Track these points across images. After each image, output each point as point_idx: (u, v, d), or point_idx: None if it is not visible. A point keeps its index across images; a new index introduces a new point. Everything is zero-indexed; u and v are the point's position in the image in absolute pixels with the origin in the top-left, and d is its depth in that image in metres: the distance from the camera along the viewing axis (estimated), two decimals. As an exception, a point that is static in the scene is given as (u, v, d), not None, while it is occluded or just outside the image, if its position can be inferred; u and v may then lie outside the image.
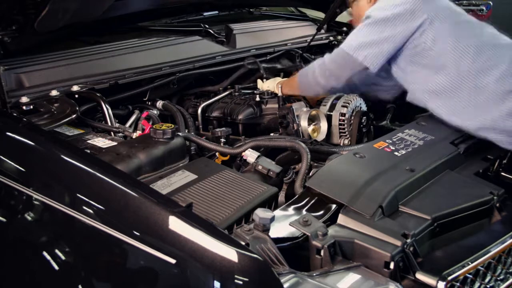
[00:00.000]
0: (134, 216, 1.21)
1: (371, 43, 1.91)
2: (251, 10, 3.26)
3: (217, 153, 1.87)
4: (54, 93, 1.87)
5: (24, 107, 1.79)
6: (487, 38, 1.91)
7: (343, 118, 2.13)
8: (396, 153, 1.66)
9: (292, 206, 1.48)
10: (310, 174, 1.66)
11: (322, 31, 2.96)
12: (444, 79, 1.87)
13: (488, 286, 1.37)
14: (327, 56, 2.07)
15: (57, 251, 1.31)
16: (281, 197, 1.70)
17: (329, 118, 2.15)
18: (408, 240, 1.30)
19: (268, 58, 2.66)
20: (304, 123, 2.08)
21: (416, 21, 1.87)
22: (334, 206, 1.45)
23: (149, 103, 2.27)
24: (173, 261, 1.11)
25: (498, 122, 1.78)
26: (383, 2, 1.97)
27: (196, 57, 2.39)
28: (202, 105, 2.31)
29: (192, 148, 1.86)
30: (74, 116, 1.80)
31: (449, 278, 1.25)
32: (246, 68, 2.50)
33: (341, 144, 2.09)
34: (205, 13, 3.10)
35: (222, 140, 1.98)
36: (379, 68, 1.95)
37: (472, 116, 1.82)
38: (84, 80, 2.00)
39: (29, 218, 1.39)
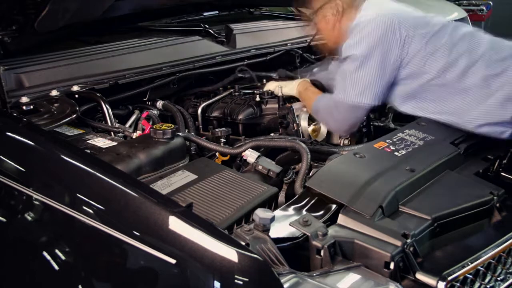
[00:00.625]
0: (134, 216, 1.21)
1: (372, 82, 1.86)
2: (251, 10, 3.26)
3: (217, 153, 1.87)
4: (54, 93, 1.88)
5: (24, 107, 1.80)
6: (457, 33, 1.91)
7: (343, 118, 2.12)
8: (396, 153, 1.65)
9: (292, 206, 1.48)
10: (310, 174, 1.66)
11: (322, 31, 2.96)
12: (431, 84, 1.88)
13: (488, 286, 1.37)
14: (334, 106, 1.95)
15: (57, 251, 1.31)
16: (281, 197, 1.70)
17: (329, 118, 2.15)
18: (408, 240, 1.30)
19: (268, 58, 2.66)
20: (304, 123, 2.08)
21: (399, 40, 1.85)
22: (334, 206, 1.45)
23: (149, 103, 2.28)
24: (173, 261, 1.11)
25: (496, 112, 1.79)
26: (356, 35, 1.89)
27: (196, 57, 2.39)
28: (202, 105, 2.31)
29: (192, 148, 1.86)
30: (74, 116, 1.80)
31: (449, 278, 1.25)
32: (236, 75, 2.49)
33: (341, 144, 2.09)
34: (205, 13, 3.10)
35: (222, 140, 1.98)
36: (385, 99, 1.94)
37: (468, 113, 1.83)
38: (84, 80, 2.00)
39: (29, 218, 1.39)
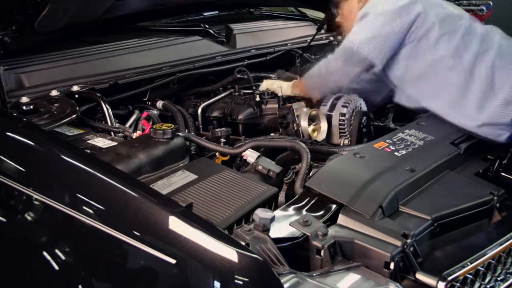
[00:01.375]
0: (134, 216, 1.21)
1: (373, 37, 1.93)
2: (251, 10, 3.26)
3: (217, 153, 1.87)
4: (54, 93, 1.87)
5: (24, 107, 1.79)
6: (474, 23, 1.98)
7: (343, 118, 2.13)
8: (396, 153, 1.66)
9: (292, 206, 1.48)
10: (310, 174, 1.66)
11: (322, 31, 2.97)
12: (441, 65, 1.91)
13: (488, 286, 1.37)
14: (330, 56, 2.08)
15: (57, 251, 1.31)
16: (281, 197, 1.70)
17: (329, 118, 2.15)
18: (408, 240, 1.30)
19: (268, 58, 2.66)
20: (304, 123, 2.07)
21: (412, 13, 1.91)
22: (334, 206, 1.45)
23: (149, 103, 2.27)
24: (173, 261, 1.11)
25: (497, 113, 1.81)
26: (384, 3, 1.99)
27: (196, 57, 2.39)
28: (202, 105, 2.31)
29: (192, 148, 1.86)
30: (74, 116, 1.80)
31: (449, 278, 1.25)
32: (235, 76, 2.48)
33: (341, 144, 2.09)
34: (205, 13, 3.10)
35: (222, 140, 1.98)
36: (384, 63, 1.97)
37: (470, 109, 1.84)
38: (84, 80, 2.00)
39: (29, 218, 1.39)
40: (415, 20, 1.90)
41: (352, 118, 2.14)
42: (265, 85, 2.33)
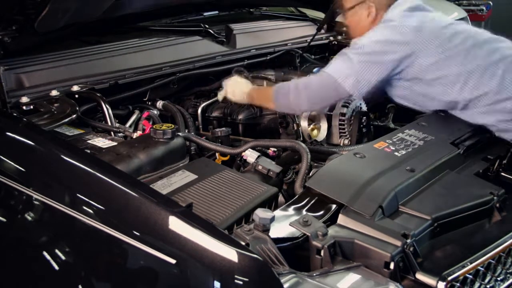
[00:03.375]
0: (134, 216, 1.21)
1: (358, 72, 1.85)
2: (251, 10, 3.26)
3: (217, 153, 1.87)
4: (54, 93, 1.87)
5: (24, 107, 1.79)
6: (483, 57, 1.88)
7: (343, 118, 2.13)
8: (396, 153, 1.66)
9: (292, 206, 1.48)
10: (310, 174, 1.66)
11: (322, 31, 2.97)
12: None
13: (488, 286, 1.37)
14: (313, 78, 1.98)
15: (57, 251, 1.31)
16: (281, 197, 1.70)
17: (329, 118, 2.15)
18: (408, 240, 1.30)
19: (268, 58, 2.66)
20: (304, 123, 2.08)
21: (403, 55, 1.85)
22: (334, 206, 1.45)
23: (149, 103, 2.28)
24: (173, 261, 1.12)
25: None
26: (377, 34, 1.92)
27: (196, 57, 2.39)
28: (202, 105, 2.31)
29: (192, 148, 1.86)
30: (74, 116, 1.80)
31: (449, 278, 1.25)
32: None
33: (341, 144, 2.10)
34: (205, 13, 3.10)
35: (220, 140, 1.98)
36: (362, 95, 1.94)
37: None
38: (84, 80, 2.00)
39: (29, 218, 1.39)
40: (402, 62, 1.86)
41: (352, 118, 2.14)
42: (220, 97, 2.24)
